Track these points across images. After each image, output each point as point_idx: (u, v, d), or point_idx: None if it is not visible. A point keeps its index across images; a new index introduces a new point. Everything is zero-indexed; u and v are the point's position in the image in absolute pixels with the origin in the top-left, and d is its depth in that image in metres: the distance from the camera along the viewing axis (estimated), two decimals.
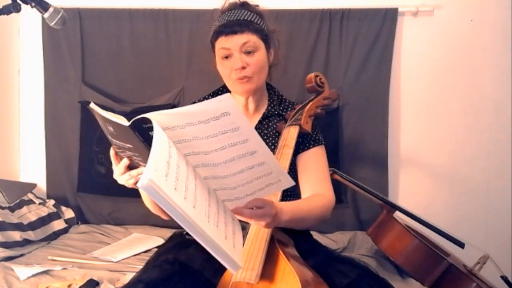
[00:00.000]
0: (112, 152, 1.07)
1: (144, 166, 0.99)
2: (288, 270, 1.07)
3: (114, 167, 1.08)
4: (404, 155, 2.39)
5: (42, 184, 2.40)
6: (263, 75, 1.40)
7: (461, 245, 1.86)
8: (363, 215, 2.32)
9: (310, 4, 2.31)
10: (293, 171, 1.41)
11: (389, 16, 2.27)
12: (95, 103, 2.30)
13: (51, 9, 1.26)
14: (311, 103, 1.45)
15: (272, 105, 1.47)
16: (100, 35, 2.35)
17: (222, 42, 1.36)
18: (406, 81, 2.36)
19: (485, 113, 2.35)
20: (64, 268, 1.73)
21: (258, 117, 1.46)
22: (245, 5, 1.44)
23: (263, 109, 1.47)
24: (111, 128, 0.94)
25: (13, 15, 1.27)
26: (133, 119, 0.87)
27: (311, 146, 1.42)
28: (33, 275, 1.64)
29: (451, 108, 2.36)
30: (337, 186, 2.21)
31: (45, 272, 1.68)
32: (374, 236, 1.84)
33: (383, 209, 1.89)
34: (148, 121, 0.87)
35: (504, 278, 1.89)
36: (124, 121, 0.90)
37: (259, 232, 1.14)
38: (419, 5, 2.29)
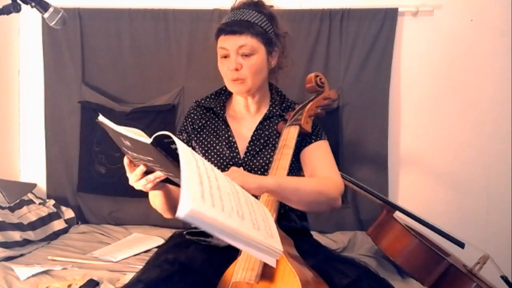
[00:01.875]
0: (126, 161, 1.07)
1: (167, 175, 0.99)
2: (288, 270, 1.07)
3: (128, 174, 1.08)
4: (404, 155, 2.39)
5: (42, 184, 2.40)
6: (259, 78, 1.40)
7: (461, 245, 1.87)
8: (363, 215, 2.32)
9: (310, 4, 2.31)
10: (294, 170, 1.41)
11: (389, 16, 2.27)
12: (96, 103, 2.30)
13: (51, 9, 1.26)
14: (311, 103, 1.45)
15: (273, 105, 1.47)
16: (100, 35, 2.35)
17: (222, 41, 1.38)
18: (406, 81, 2.36)
19: (485, 113, 2.35)
20: (64, 268, 1.73)
21: (259, 117, 1.46)
22: (257, 5, 1.43)
23: (264, 110, 1.47)
24: (127, 143, 0.93)
25: (13, 15, 1.27)
26: (154, 136, 0.86)
27: (313, 140, 1.42)
28: (33, 275, 1.64)
29: (451, 108, 2.36)
30: None
31: (45, 272, 1.68)
32: (374, 236, 1.84)
33: (383, 209, 1.89)
34: (167, 135, 0.85)
35: (504, 278, 1.89)
36: (144, 138, 0.89)
37: None
38: (419, 5, 2.29)
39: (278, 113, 1.46)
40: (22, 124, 2.46)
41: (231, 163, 1.39)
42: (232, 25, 1.36)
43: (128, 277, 1.62)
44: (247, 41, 1.35)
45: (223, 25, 1.38)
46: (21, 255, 1.89)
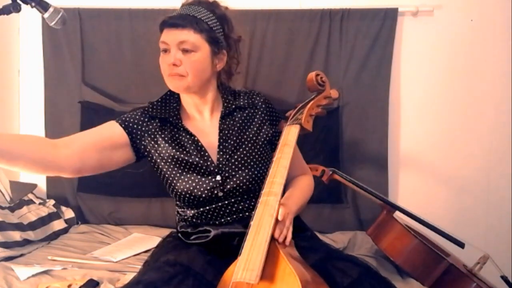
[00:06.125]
0: None
1: None
2: (288, 271, 1.07)
3: None
4: (404, 155, 2.39)
5: (42, 184, 2.40)
6: (199, 77, 1.31)
7: (461, 245, 1.87)
8: (363, 215, 2.32)
9: (310, 4, 2.31)
10: (265, 161, 1.36)
11: (389, 16, 2.27)
12: (96, 103, 2.30)
13: (51, 9, 1.25)
14: (312, 102, 1.44)
15: (227, 101, 1.40)
16: (100, 35, 2.34)
17: (163, 36, 1.31)
18: (406, 81, 2.36)
19: (485, 113, 2.35)
20: (64, 268, 1.73)
21: (217, 120, 1.38)
22: (210, 4, 1.35)
23: (219, 110, 1.40)
24: None
25: (13, 15, 1.26)
26: None
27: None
28: (33, 275, 1.64)
29: (451, 108, 2.36)
30: (337, 186, 2.23)
31: (45, 272, 1.68)
32: (374, 236, 1.84)
33: (383, 209, 1.89)
34: None
35: (504, 278, 1.89)
36: None
37: (259, 232, 1.14)
38: (419, 5, 2.29)
39: (234, 106, 1.39)
40: (22, 124, 2.46)
41: (206, 173, 1.31)
42: (176, 18, 1.29)
43: (128, 277, 1.62)
44: (189, 37, 1.27)
45: (167, 18, 1.31)
46: (21, 255, 1.88)
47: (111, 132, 1.32)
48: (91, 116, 2.33)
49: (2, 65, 2.36)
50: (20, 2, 1.23)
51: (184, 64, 1.28)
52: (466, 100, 2.36)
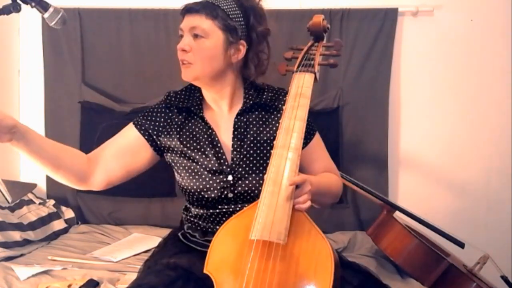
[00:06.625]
0: None
1: None
2: (314, 232, 1.03)
3: None
4: (404, 155, 2.39)
5: (42, 184, 2.40)
6: (209, 66, 1.23)
7: (461, 245, 1.87)
8: (363, 215, 2.32)
9: (310, 4, 2.31)
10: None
11: (389, 16, 2.27)
12: (96, 103, 2.28)
13: (51, 9, 1.25)
14: (318, 49, 1.27)
15: (247, 96, 1.31)
16: (100, 35, 2.35)
17: (182, 23, 1.27)
18: (406, 81, 2.36)
19: (485, 113, 2.35)
20: (64, 268, 1.73)
21: (235, 114, 1.33)
22: None
23: (239, 105, 1.32)
24: None
25: (13, 15, 1.26)
26: None
27: (308, 140, 1.34)
28: (33, 275, 1.64)
29: (451, 108, 2.36)
30: None
31: (45, 272, 1.69)
32: (374, 236, 1.84)
33: (383, 209, 1.89)
34: None
35: (504, 278, 1.89)
36: None
37: (281, 187, 1.07)
38: (419, 5, 2.29)
39: (251, 102, 1.29)
40: None
41: (218, 172, 1.25)
42: (193, 4, 1.24)
43: (128, 277, 1.62)
44: (201, 22, 1.21)
45: (185, 5, 1.25)
46: (21, 255, 1.89)
47: (128, 138, 1.30)
48: (91, 116, 2.33)
49: (2, 65, 2.36)
50: (20, 2, 1.23)
51: (193, 51, 1.22)
52: (466, 100, 2.35)
